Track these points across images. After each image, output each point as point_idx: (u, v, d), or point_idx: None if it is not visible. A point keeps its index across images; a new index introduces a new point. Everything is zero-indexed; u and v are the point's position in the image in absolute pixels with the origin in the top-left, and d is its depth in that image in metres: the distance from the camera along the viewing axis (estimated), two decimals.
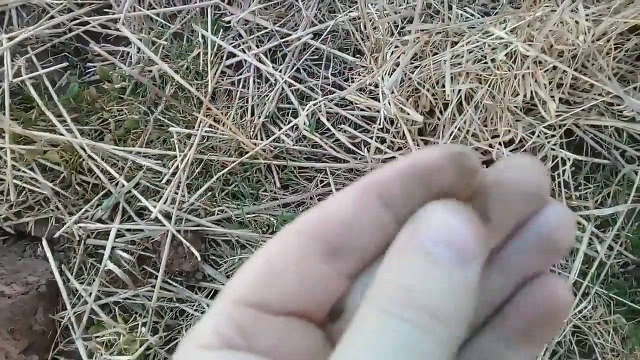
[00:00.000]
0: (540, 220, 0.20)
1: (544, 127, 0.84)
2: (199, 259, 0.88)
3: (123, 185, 0.91)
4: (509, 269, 0.20)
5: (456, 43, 0.84)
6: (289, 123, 0.92)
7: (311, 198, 0.91)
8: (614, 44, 0.82)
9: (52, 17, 0.95)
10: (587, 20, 0.77)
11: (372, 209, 0.20)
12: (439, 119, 0.88)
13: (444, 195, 0.19)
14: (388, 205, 0.20)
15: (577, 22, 0.78)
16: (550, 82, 0.83)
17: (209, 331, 0.19)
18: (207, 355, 0.18)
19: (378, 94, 0.87)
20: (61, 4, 0.97)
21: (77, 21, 0.97)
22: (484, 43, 0.81)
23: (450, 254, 0.17)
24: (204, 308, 0.90)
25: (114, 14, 0.97)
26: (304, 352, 0.20)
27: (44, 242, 0.94)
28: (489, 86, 0.83)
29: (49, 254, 0.93)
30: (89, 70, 1.00)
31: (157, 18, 0.97)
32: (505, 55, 0.80)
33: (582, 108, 0.85)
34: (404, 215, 0.20)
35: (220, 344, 0.18)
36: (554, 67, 0.82)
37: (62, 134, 0.90)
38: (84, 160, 0.91)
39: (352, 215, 0.20)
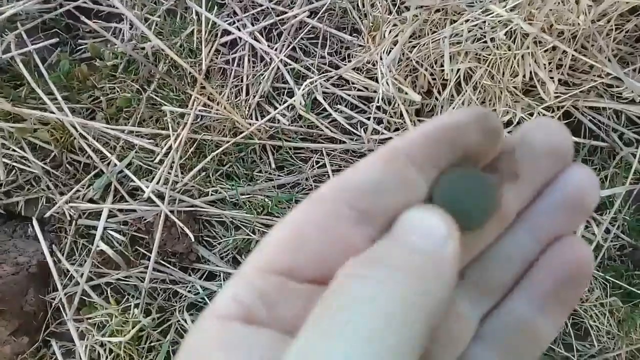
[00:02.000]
0: (566, 179, 0.20)
1: (542, 108, 0.83)
2: (193, 240, 0.87)
3: (115, 165, 0.90)
4: (536, 228, 0.21)
5: (455, 21, 0.82)
6: (284, 103, 0.90)
7: (307, 179, 0.90)
8: (614, 25, 0.81)
9: None
10: None
11: (401, 171, 0.20)
12: (437, 99, 0.86)
13: (469, 156, 0.20)
14: (416, 167, 0.20)
15: (577, 1, 0.77)
16: (549, 63, 0.82)
17: (228, 298, 0.18)
18: (221, 326, 0.17)
19: (375, 74, 0.86)
20: None
21: None
22: (484, 21, 0.80)
23: (425, 240, 0.18)
24: (197, 289, 0.89)
25: None
26: None
27: (35, 222, 0.92)
28: (488, 66, 0.82)
29: (39, 234, 0.91)
30: (80, 47, 0.98)
31: None
32: (505, 34, 0.79)
33: (581, 89, 0.84)
34: (433, 177, 0.20)
35: (238, 312, 0.18)
36: (554, 48, 0.81)
37: (52, 112, 0.88)
38: (75, 139, 0.89)
39: (382, 178, 0.19)
